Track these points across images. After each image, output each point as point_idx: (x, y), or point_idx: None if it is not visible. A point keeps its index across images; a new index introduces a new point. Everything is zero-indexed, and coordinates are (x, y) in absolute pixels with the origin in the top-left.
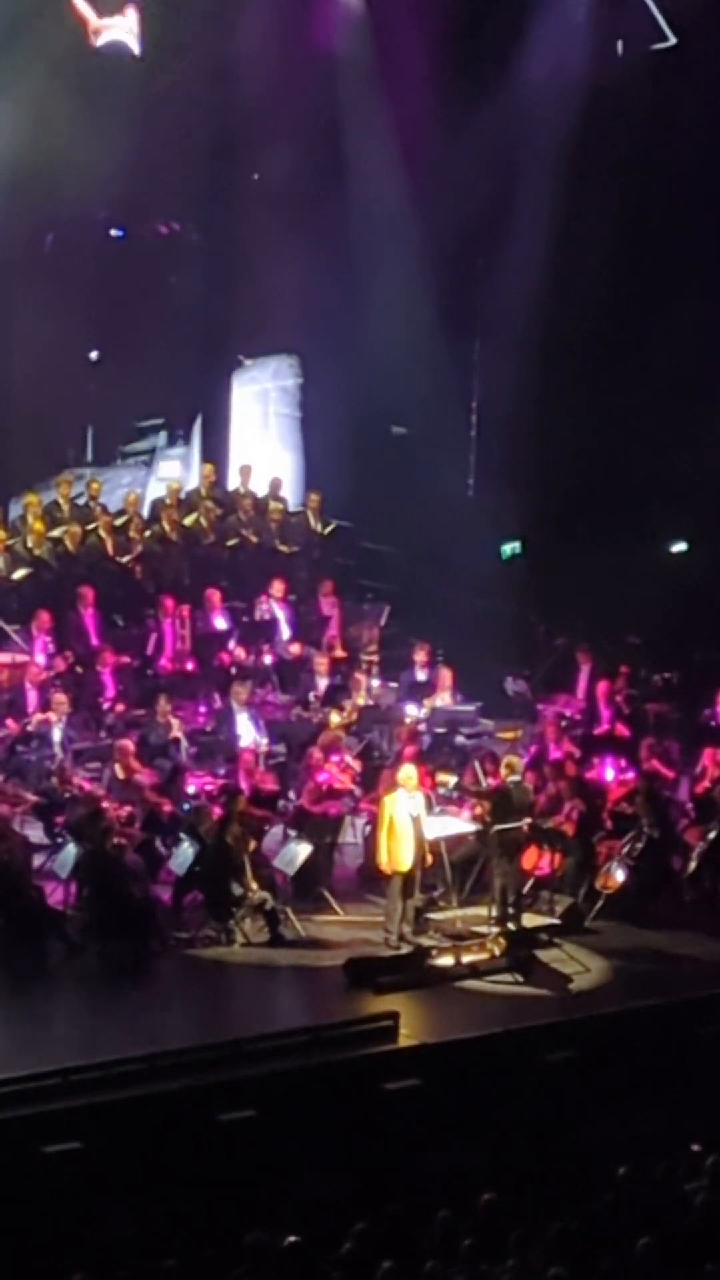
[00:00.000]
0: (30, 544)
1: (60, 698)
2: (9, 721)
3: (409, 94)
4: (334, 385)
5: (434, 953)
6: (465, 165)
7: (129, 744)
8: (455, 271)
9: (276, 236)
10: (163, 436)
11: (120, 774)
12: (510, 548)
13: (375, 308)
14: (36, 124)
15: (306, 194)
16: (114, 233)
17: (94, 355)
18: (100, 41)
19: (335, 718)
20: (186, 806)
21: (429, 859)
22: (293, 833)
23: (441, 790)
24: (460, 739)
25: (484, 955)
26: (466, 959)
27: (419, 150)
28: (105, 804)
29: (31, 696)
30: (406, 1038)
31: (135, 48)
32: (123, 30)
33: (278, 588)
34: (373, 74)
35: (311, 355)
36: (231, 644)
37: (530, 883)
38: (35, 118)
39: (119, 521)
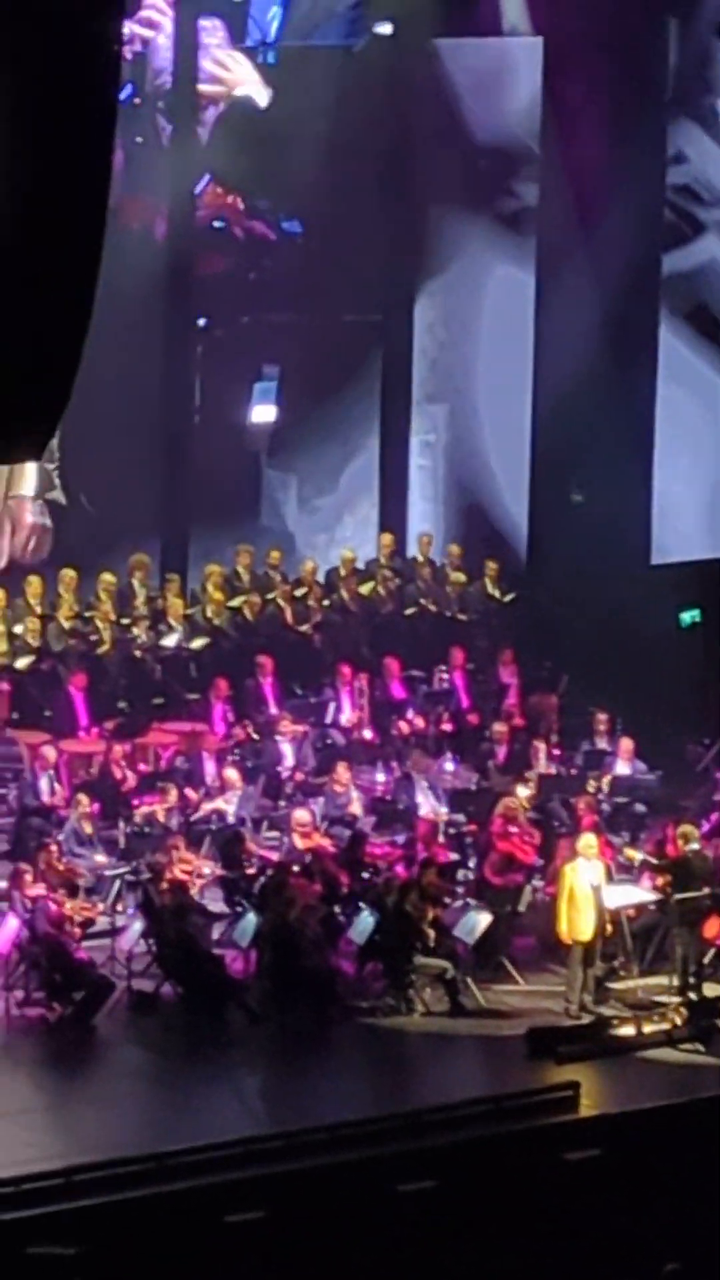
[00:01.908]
0: (210, 613)
1: (232, 775)
2: (187, 791)
3: (581, 127)
4: (500, 441)
5: (615, 1022)
6: (643, 199)
7: (307, 813)
8: (634, 319)
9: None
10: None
11: (299, 844)
12: (690, 615)
13: (545, 357)
14: None
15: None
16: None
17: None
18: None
19: (521, 790)
20: (368, 876)
21: (609, 928)
22: (473, 902)
23: (624, 861)
24: (640, 808)
25: (665, 1025)
26: (648, 1029)
27: (592, 185)
28: (289, 874)
29: (209, 766)
30: (587, 1108)
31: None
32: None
33: (456, 656)
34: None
35: (469, 407)
36: (410, 712)
37: (712, 952)
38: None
39: (298, 592)
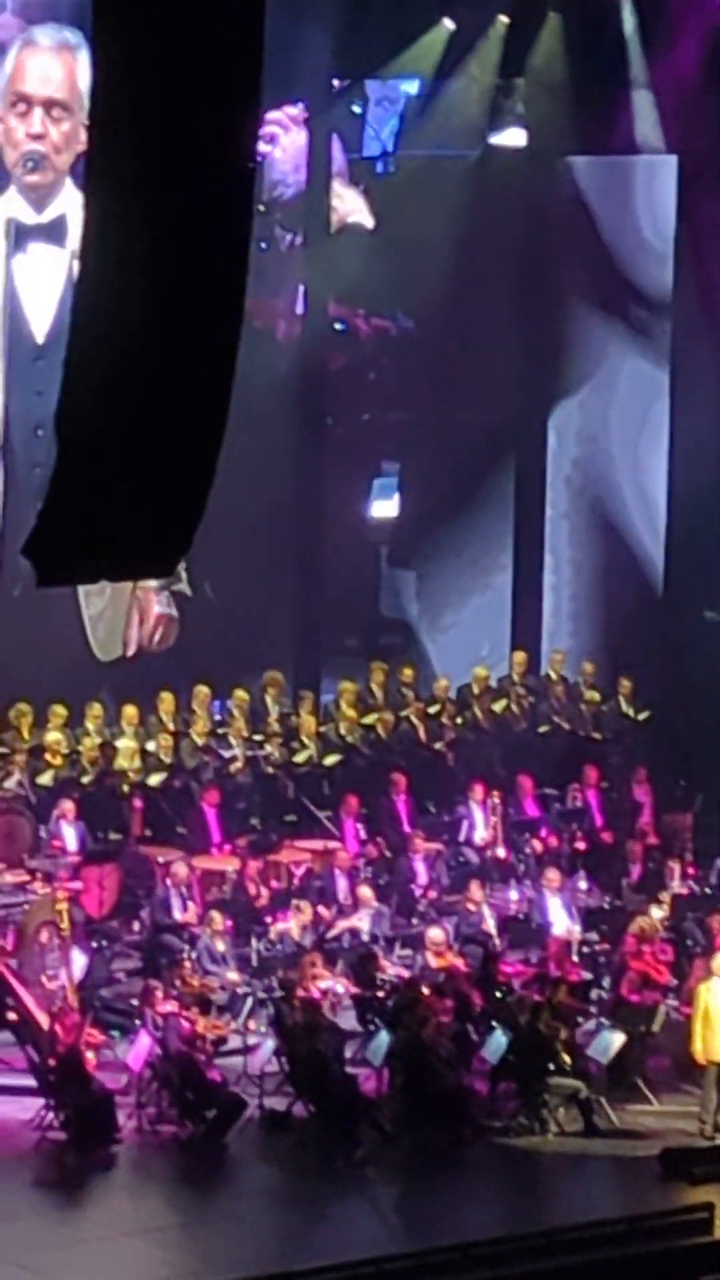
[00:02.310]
0: (343, 730)
1: (365, 893)
2: (319, 909)
3: (715, 244)
4: (634, 557)
5: None
6: None
7: (440, 932)
8: None
9: None
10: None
11: (433, 962)
12: None
13: (680, 472)
14: None
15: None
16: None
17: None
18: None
19: (655, 910)
20: (501, 995)
21: None
22: (606, 1021)
23: None
24: None
25: None
26: None
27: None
28: (422, 992)
29: (341, 883)
30: None
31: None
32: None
33: (590, 774)
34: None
35: (602, 521)
36: (543, 830)
37: None
38: None
39: (432, 709)
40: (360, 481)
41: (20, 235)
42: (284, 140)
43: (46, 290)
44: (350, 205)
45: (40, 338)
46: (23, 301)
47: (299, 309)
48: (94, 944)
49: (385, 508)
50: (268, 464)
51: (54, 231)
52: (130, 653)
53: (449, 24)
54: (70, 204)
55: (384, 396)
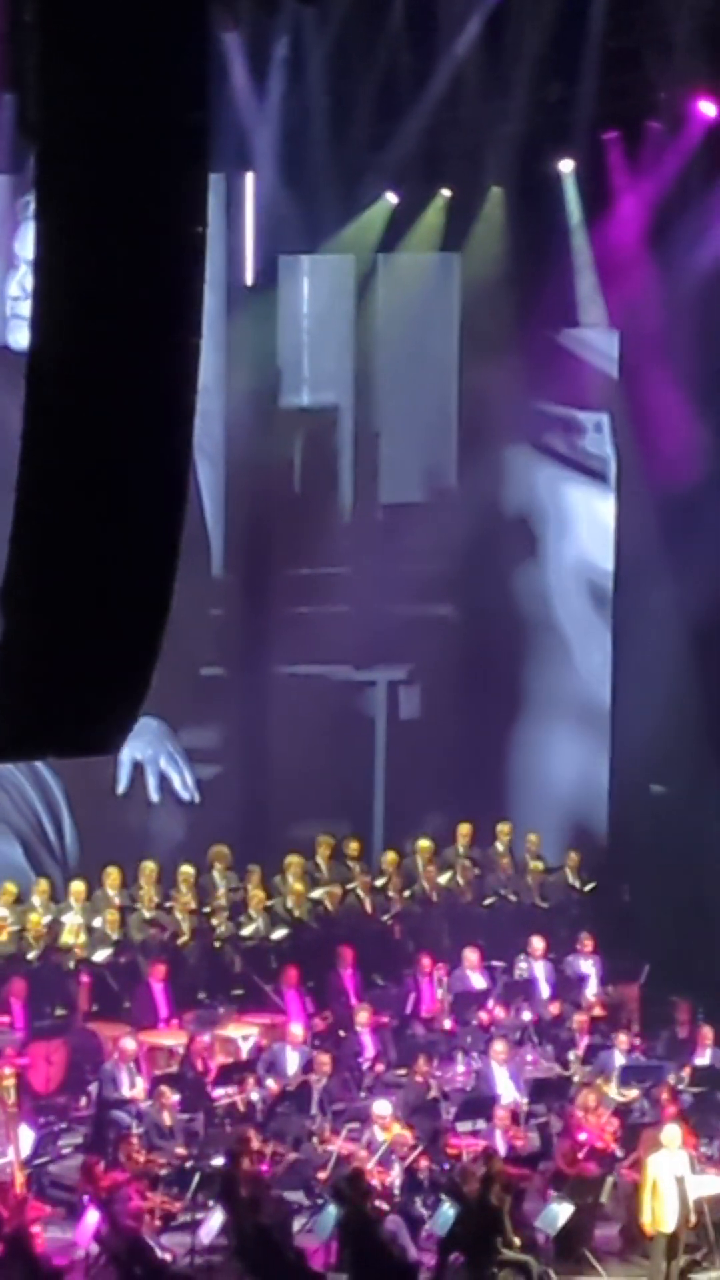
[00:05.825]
0: (290, 904)
1: (323, 1058)
2: (268, 1082)
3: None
4: (582, 731)
5: None
6: None
7: (388, 1104)
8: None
9: None
10: None
11: (380, 1135)
12: None
13: (625, 643)
14: None
15: None
16: None
17: None
18: None
19: (608, 1087)
20: (447, 1166)
21: (693, 1219)
22: (554, 1193)
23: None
24: None
25: None
26: None
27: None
28: (366, 1166)
29: (291, 1057)
30: None
31: None
32: None
33: (536, 945)
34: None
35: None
36: (490, 1002)
37: None
38: None
39: (379, 882)
40: None
41: None
42: None
43: None
44: None
45: None
46: None
47: None
48: (41, 1120)
49: None
50: None
51: None
52: None
53: (391, 198)
54: None
55: None
